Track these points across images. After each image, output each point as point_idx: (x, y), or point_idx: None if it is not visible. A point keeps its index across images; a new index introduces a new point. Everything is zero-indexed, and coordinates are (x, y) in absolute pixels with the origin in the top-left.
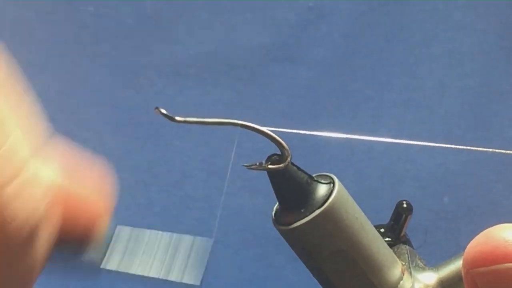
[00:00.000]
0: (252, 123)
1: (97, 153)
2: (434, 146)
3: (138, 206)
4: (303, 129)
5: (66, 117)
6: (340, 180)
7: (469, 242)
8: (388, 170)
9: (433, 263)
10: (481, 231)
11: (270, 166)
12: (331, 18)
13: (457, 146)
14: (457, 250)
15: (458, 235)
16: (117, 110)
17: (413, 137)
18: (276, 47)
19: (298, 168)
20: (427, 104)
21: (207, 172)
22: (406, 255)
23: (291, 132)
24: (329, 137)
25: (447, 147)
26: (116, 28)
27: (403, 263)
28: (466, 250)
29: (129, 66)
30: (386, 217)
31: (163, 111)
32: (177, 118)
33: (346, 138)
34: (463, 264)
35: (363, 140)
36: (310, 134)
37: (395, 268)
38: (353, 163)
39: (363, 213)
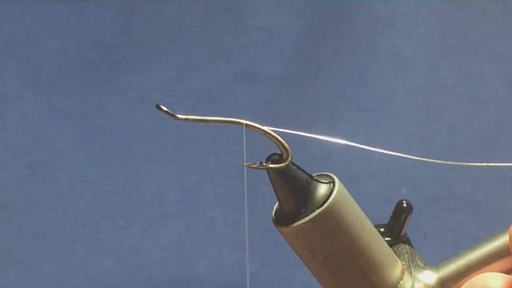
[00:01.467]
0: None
1: (75, 180)
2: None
3: (116, 229)
4: (262, 142)
5: (43, 148)
6: None
7: (432, 228)
8: (346, 170)
9: (433, 263)
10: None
11: (270, 166)
12: (281, 35)
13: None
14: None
15: (420, 223)
16: (90, 137)
17: (369, 138)
18: (233, 69)
19: (298, 167)
20: (378, 106)
21: (180, 190)
22: (406, 254)
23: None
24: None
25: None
26: (80, 62)
27: (403, 263)
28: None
29: (96, 96)
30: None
31: (164, 108)
32: (179, 116)
33: (345, 144)
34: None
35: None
36: (311, 137)
37: (395, 268)
38: (312, 170)
39: (363, 213)
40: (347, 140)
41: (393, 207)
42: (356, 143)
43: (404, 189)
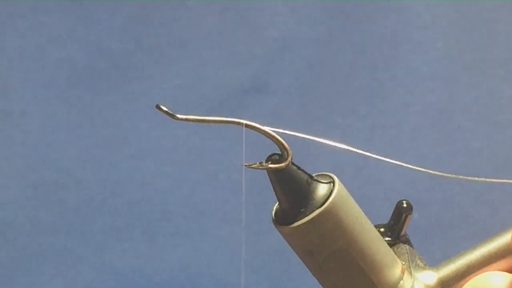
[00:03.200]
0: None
1: (80, 199)
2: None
3: (122, 250)
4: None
5: (47, 166)
6: None
7: (444, 255)
8: (357, 193)
9: (433, 263)
10: (455, 244)
11: (271, 166)
12: (295, 47)
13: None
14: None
15: (432, 249)
16: (97, 151)
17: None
18: (245, 79)
19: (299, 167)
20: (393, 124)
21: (188, 208)
22: (406, 254)
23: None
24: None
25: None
26: (89, 71)
27: (403, 263)
28: None
29: (105, 106)
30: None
31: (164, 108)
32: (179, 115)
33: (347, 149)
34: None
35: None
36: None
37: (395, 268)
38: None
39: (363, 213)
40: (361, 165)
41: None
42: (369, 162)
43: (417, 214)
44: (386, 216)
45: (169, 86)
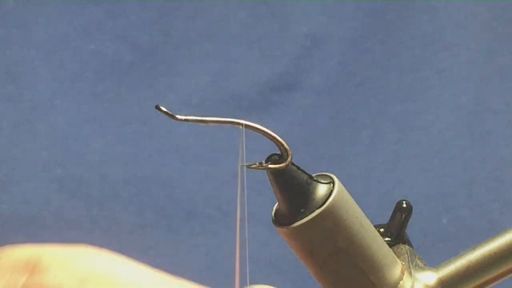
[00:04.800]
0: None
1: (105, 195)
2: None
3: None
4: (301, 157)
5: (73, 161)
6: None
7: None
8: (385, 197)
9: (433, 263)
10: None
11: (270, 166)
12: (326, 45)
13: None
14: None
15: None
16: (123, 147)
17: (410, 160)
18: (274, 76)
19: (298, 167)
20: (422, 125)
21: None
22: (406, 254)
23: None
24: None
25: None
26: (117, 65)
27: (403, 263)
28: None
29: (132, 101)
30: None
31: (164, 109)
32: (178, 116)
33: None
34: None
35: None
36: None
37: (395, 268)
38: (350, 191)
39: (363, 213)
40: (388, 164)
41: (433, 237)
42: (397, 165)
43: (445, 219)
44: (425, 249)
45: (197, 82)
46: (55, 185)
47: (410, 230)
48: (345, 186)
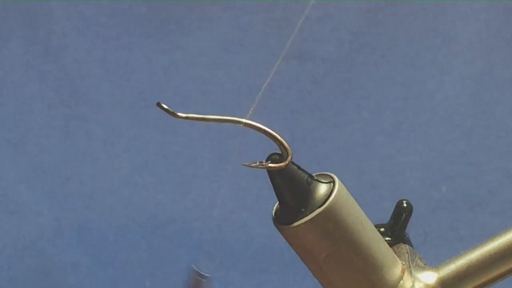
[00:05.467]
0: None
1: (107, 135)
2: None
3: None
4: (308, 122)
5: (80, 100)
6: (340, 173)
7: (469, 231)
8: (387, 162)
9: (433, 263)
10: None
11: (270, 165)
12: (337, 16)
13: None
14: (457, 246)
15: (457, 224)
16: (129, 92)
17: (414, 127)
18: (283, 44)
19: (299, 167)
20: (427, 93)
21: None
22: (406, 254)
23: None
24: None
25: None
26: (131, 14)
27: (403, 263)
28: None
29: (142, 51)
30: (386, 212)
31: (165, 106)
32: (179, 114)
33: None
34: None
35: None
36: None
37: (396, 268)
38: (352, 155)
39: (363, 212)
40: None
41: (432, 205)
42: (400, 132)
43: (444, 187)
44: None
45: (206, 45)
46: (60, 123)
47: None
48: (347, 150)
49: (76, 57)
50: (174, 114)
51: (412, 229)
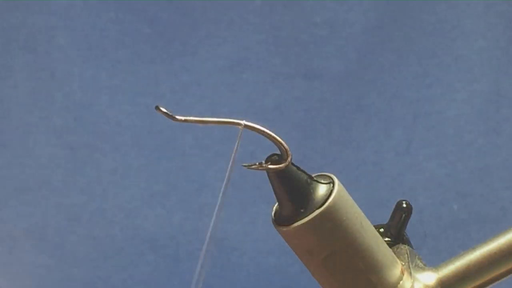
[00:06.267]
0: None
1: (115, 165)
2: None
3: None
4: (317, 141)
5: (86, 129)
6: (350, 191)
7: None
8: (397, 180)
9: (433, 263)
10: (489, 238)
11: (270, 166)
12: (343, 33)
13: None
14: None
15: (469, 243)
16: (136, 119)
17: (424, 145)
18: (289, 63)
19: (298, 168)
20: (437, 110)
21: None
22: (406, 255)
23: None
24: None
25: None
26: (136, 36)
27: (403, 263)
28: None
29: (148, 74)
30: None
31: (163, 109)
32: (178, 117)
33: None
34: None
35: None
36: None
37: (395, 268)
38: (363, 174)
39: (362, 213)
40: (402, 152)
41: (444, 223)
42: (410, 150)
43: (456, 205)
44: (434, 231)
45: (212, 65)
46: (67, 151)
47: (418, 222)
48: (358, 169)
49: (82, 84)
50: (172, 117)
51: (411, 230)
